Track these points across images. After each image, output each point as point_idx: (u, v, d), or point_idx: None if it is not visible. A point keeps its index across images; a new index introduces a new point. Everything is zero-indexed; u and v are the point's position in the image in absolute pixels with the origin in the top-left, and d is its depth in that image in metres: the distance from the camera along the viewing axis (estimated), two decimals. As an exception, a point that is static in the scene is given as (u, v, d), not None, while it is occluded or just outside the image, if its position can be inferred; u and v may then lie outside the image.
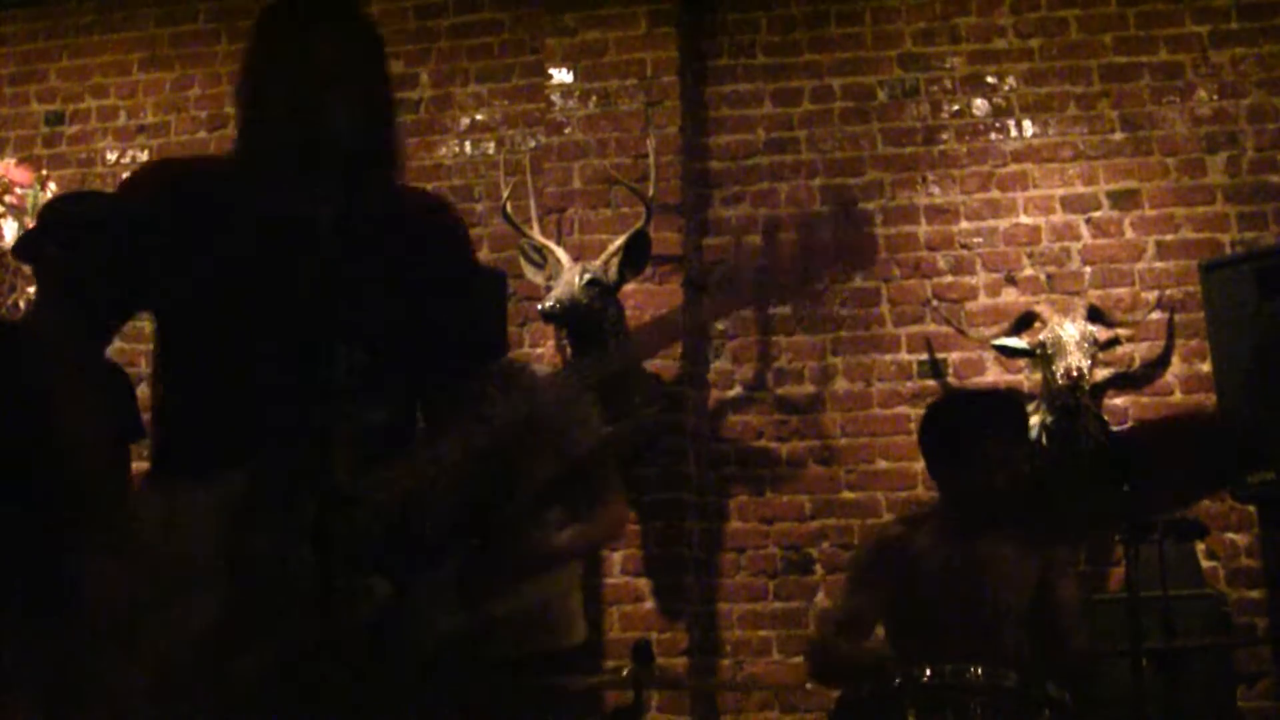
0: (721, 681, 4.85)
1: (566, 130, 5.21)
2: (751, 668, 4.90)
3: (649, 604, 4.82)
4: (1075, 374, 4.59)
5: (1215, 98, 5.07)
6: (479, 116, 5.51)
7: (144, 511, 1.88)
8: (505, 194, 4.96)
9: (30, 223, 4.64)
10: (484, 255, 5.26)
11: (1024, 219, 5.10)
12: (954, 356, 5.04)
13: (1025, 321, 4.91)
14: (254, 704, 1.79)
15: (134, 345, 4.68)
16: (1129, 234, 5.02)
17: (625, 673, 2.49)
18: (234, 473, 1.85)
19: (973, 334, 4.97)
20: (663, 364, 4.94)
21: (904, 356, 5.08)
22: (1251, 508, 4.59)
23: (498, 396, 1.96)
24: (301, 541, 1.82)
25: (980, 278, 5.09)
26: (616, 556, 4.82)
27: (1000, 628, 3.24)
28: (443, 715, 2.50)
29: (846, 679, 3.07)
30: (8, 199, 5.19)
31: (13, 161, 5.48)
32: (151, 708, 1.79)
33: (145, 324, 2.21)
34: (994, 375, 4.97)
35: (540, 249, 4.86)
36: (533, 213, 4.95)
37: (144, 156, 5.66)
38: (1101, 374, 4.83)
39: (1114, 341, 4.83)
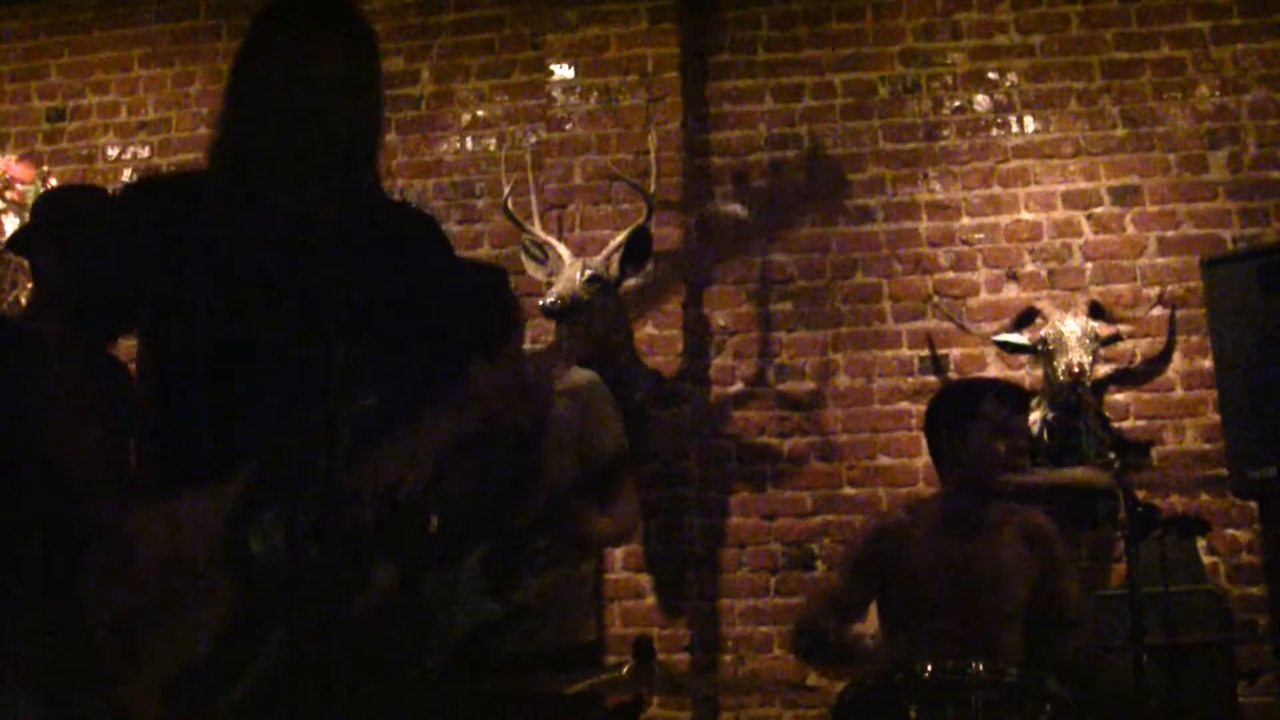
0: (724, 682, 4.83)
1: (568, 126, 5.21)
2: (753, 663, 4.90)
3: (650, 600, 4.82)
4: (1076, 370, 4.59)
5: (1217, 93, 5.06)
6: (480, 112, 5.51)
7: (144, 512, 1.88)
8: (506, 190, 4.95)
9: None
10: (485, 251, 5.27)
11: (1025, 215, 5.10)
12: (955, 353, 5.04)
13: (1026, 318, 4.91)
14: (260, 703, 1.79)
15: (132, 342, 4.67)
16: (1130, 230, 5.02)
17: (626, 669, 2.48)
18: (233, 473, 1.85)
19: (974, 330, 4.96)
20: (664, 360, 4.95)
21: (905, 352, 5.08)
22: (1253, 504, 4.60)
23: (477, 377, 1.98)
24: (303, 536, 1.82)
25: (981, 274, 5.09)
26: (618, 552, 4.81)
27: (997, 621, 3.24)
28: (449, 713, 2.51)
29: (828, 659, 3.07)
30: (9, 195, 5.19)
31: (14, 157, 5.49)
32: (153, 708, 1.79)
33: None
34: (995, 371, 4.96)
35: (541, 245, 4.85)
36: (534, 209, 4.95)
37: (145, 153, 5.67)
38: (1102, 370, 4.83)
39: (1115, 338, 4.84)
